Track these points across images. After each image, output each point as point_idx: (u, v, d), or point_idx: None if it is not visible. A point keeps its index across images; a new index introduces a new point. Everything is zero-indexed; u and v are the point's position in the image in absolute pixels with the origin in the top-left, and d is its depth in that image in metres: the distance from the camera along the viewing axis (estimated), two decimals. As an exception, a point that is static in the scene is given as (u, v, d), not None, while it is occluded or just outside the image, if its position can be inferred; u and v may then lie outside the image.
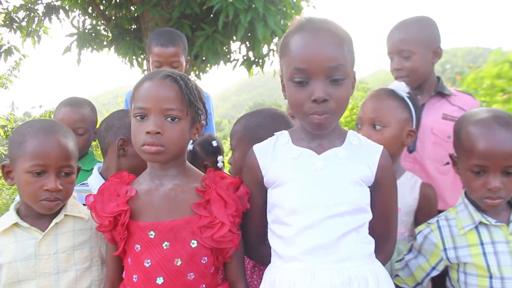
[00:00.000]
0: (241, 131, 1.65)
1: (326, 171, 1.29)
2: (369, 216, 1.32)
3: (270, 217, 1.36)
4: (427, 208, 1.80)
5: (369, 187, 1.32)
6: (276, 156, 1.36)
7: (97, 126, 2.27)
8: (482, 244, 1.45)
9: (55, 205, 1.41)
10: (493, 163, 1.38)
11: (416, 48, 2.08)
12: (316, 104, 1.22)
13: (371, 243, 1.32)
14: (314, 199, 1.26)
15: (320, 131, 1.30)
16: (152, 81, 1.33)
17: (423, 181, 1.85)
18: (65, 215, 1.46)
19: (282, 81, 1.35)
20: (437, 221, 1.56)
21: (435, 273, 1.54)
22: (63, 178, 1.42)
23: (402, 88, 1.85)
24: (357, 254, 1.25)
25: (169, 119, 1.30)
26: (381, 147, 1.37)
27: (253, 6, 4.96)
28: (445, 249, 1.49)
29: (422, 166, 2.09)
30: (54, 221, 1.44)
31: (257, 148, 1.40)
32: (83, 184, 1.86)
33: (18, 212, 1.46)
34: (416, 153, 2.11)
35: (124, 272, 1.39)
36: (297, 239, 1.26)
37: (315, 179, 1.28)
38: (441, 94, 2.14)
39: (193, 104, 1.34)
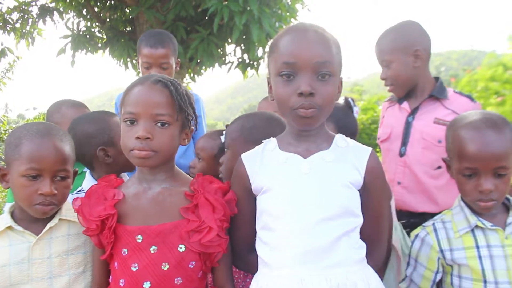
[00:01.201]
0: (236, 131, 1.65)
1: (313, 175, 1.27)
2: (360, 220, 1.29)
3: (258, 224, 1.34)
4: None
5: (358, 190, 1.30)
6: (264, 162, 1.35)
7: None
8: (477, 247, 1.43)
9: (49, 209, 1.40)
10: (483, 165, 1.38)
11: (392, 57, 2.11)
12: (303, 98, 1.22)
13: (362, 248, 1.29)
14: (301, 203, 1.25)
15: (307, 127, 1.29)
16: (142, 85, 1.32)
17: None
18: (59, 219, 1.45)
19: (269, 84, 1.35)
20: (433, 224, 1.55)
21: (439, 276, 1.52)
22: (58, 182, 1.41)
23: None
24: (348, 260, 1.23)
25: (159, 124, 1.30)
26: (370, 149, 1.35)
27: (248, 8, 4.98)
28: (441, 250, 1.48)
29: (412, 170, 2.11)
30: (48, 225, 1.42)
31: (245, 156, 1.39)
32: (80, 191, 1.83)
33: (12, 215, 1.45)
34: (406, 157, 2.13)
35: (111, 276, 1.38)
36: (284, 245, 1.24)
37: (302, 183, 1.27)
38: (435, 97, 2.13)
39: (183, 110, 1.34)
